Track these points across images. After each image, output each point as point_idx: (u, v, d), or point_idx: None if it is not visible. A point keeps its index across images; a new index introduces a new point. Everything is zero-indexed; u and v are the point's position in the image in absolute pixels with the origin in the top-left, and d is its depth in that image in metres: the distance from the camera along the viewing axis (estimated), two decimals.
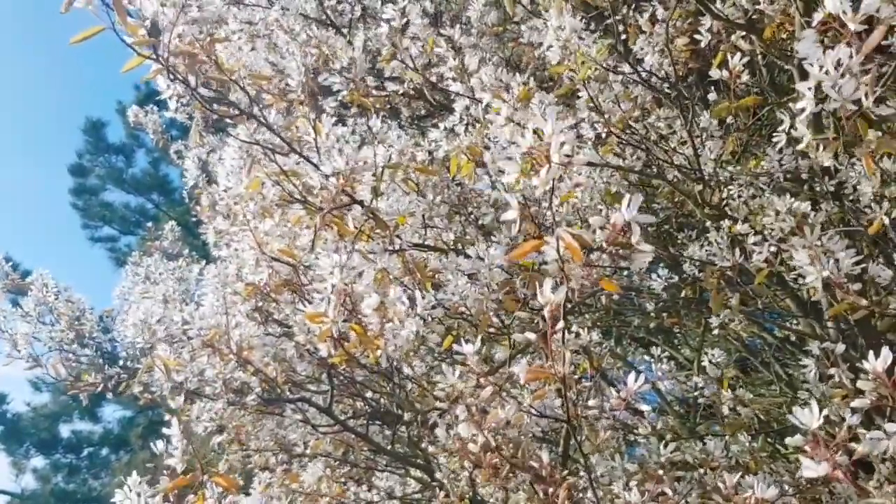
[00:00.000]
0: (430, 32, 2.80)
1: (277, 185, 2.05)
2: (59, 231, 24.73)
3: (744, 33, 2.50)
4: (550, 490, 1.67)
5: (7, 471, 14.36)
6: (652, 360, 2.82)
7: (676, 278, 2.66)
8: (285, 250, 2.10)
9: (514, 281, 2.08)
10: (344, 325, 1.67)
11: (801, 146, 1.54)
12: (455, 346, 1.67)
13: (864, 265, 1.91)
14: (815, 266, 1.84)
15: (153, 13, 1.60)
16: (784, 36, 2.50)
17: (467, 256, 2.06)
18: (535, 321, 2.04)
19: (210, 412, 2.40)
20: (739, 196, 2.43)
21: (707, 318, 2.94)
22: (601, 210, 2.51)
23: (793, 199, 2.15)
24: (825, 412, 1.24)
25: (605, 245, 1.28)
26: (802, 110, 1.32)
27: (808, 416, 1.25)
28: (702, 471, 2.08)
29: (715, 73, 2.20)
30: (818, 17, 1.22)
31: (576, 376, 2.27)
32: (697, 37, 2.53)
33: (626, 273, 2.86)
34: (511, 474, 1.71)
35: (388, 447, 2.71)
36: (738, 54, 2.21)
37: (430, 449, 2.56)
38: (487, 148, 2.31)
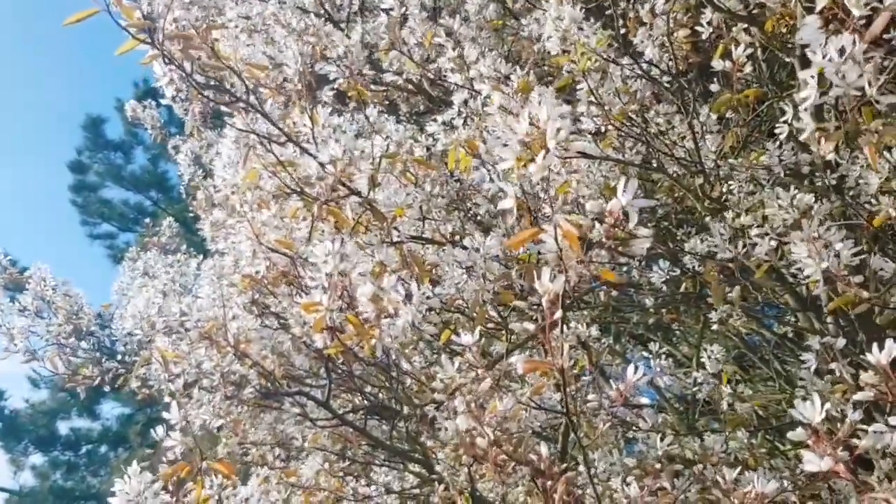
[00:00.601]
0: (429, 26, 2.79)
1: (274, 176, 2.04)
2: (58, 228, 24.78)
3: (745, 26, 2.48)
4: (549, 484, 1.65)
5: (5, 468, 14.38)
6: (650, 356, 2.81)
7: (677, 271, 2.64)
8: (282, 241, 2.08)
9: (510, 274, 2.07)
10: (339, 315, 1.65)
11: (804, 136, 1.52)
12: (453, 338, 1.65)
13: (864, 258, 1.90)
14: (815, 258, 1.83)
15: None
16: (784, 29, 2.49)
17: (464, 248, 2.04)
18: (534, 316, 2.03)
19: (209, 404, 2.37)
20: (740, 190, 2.42)
21: (706, 314, 2.93)
22: (600, 203, 2.49)
23: (796, 191, 2.14)
24: (826, 407, 1.23)
25: (604, 240, 1.27)
26: (805, 100, 1.30)
27: (811, 410, 1.23)
28: (701, 466, 2.07)
29: (717, 64, 2.19)
30: (821, 2, 1.21)
31: (574, 372, 2.26)
32: (699, 28, 2.51)
33: (625, 269, 2.85)
34: (511, 469, 1.70)
35: (387, 442, 2.69)
36: (742, 45, 2.19)
37: (429, 443, 2.55)
38: (485, 141, 2.29)
